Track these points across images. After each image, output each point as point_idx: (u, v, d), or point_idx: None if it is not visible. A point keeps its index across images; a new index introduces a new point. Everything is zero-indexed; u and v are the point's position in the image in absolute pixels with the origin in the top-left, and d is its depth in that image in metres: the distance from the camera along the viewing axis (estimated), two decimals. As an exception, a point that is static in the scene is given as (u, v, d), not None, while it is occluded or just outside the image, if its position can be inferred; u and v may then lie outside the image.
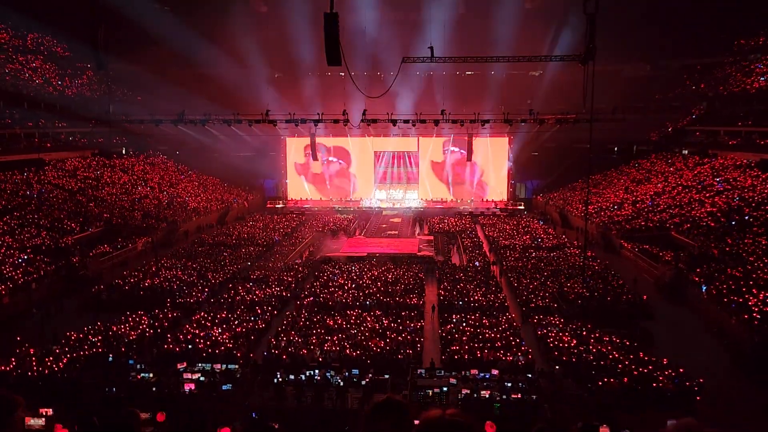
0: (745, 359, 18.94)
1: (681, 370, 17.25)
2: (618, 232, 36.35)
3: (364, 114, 42.18)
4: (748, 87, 45.81)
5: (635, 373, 17.28)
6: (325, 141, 56.22)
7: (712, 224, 31.56)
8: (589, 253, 33.33)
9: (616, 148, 55.93)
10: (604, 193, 47.35)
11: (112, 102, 53.48)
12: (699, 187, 38.84)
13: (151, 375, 17.52)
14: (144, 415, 11.90)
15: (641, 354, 18.79)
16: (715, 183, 38.20)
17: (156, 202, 44.02)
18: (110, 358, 18.95)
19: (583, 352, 19.17)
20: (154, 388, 16.97)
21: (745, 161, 39.58)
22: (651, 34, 52.56)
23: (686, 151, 48.60)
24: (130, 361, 18.51)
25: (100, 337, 20.75)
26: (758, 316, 20.35)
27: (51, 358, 18.48)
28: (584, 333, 21.07)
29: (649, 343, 20.59)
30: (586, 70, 26.37)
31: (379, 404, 2.29)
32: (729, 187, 36.41)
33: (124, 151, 53.87)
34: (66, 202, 37.54)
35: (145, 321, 22.76)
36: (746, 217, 30.74)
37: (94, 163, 47.79)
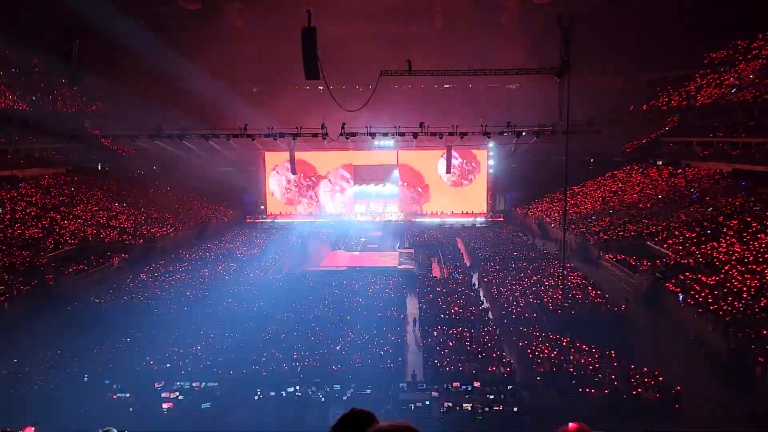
0: (722, 366, 19.19)
1: (660, 378, 17.41)
2: (595, 243, 36.75)
3: (343, 127, 42.24)
4: (719, 99, 46.92)
5: (615, 383, 17.39)
6: (305, 155, 56.12)
7: (687, 233, 32.10)
8: (568, 264, 33.67)
9: (592, 160, 56.77)
10: (581, 204, 47.91)
11: (87, 117, 52.88)
12: (674, 197, 39.56)
13: (127, 394, 17.16)
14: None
15: (620, 363, 18.94)
16: (689, 193, 38.93)
17: (132, 218, 43.41)
18: (85, 378, 18.53)
19: (564, 362, 19.25)
20: (131, 408, 16.62)
21: (717, 171, 40.43)
22: (624, 48, 53.66)
23: (660, 162, 49.53)
24: (106, 381, 18.12)
25: (74, 357, 20.30)
26: (732, 324, 20.66)
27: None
28: (564, 343, 21.17)
29: (629, 353, 20.76)
30: (562, 83, 26.83)
31: (344, 416, 2.30)
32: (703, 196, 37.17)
33: (99, 167, 53.15)
34: (40, 219, 36.84)
35: (121, 339, 22.32)
36: (719, 226, 31.32)
37: (69, 179, 47.06)
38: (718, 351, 20.16)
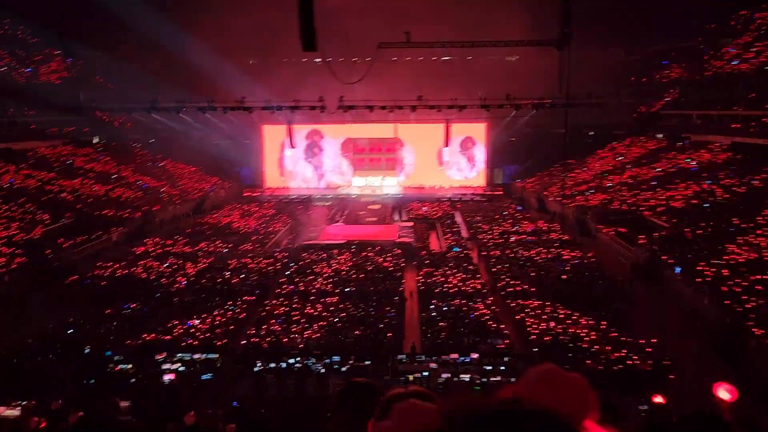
0: (717, 339, 19.38)
1: (656, 350, 17.61)
2: (593, 216, 36.76)
3: (340, 100, 41.93)
4: (719, 71, 46.47)
5: (611, 354, 17.60)
6: (303, 128, 55.78)
7: (685, 207, 32.13)
8: (566, 237, 33.81)
9: (591, 133, 56.43)
10: (580, 177, 47.82)
11: (82, 90, 52.32)
12: (673, 170, 39.50)
13: (129, 366, 17.34)
14: (124, 404, 11.91)
15: (616, 335, 19.16)
16: (688, 166, 38.88)
17: (130, 192, 43.28)
18: (87, 350, 18.69)
19: (561, 334, 19.45)
20: (132, 379, 16.81)
21: (717, 144, 40.28)
22: (625, 20, 52.93)
23: (660, 135, 49.29)
24: (108, 353, 18.29)
25: (75, 329, 20.46)
26: (729, 298, 20.80)
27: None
28: (561, 316, 21.35)
29: (624, 325, 20.94)
30: (562, 55, 26.57)
31: (343, 390, 2.32)
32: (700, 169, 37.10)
33: (95, 140, 52.76)
34: (37, 192, 36.69)
35: (121, 312, 22.48)
36: (718, 199, 31.34)
37: (65, 152, 46.73)
38: (713, 323, 20.32)
